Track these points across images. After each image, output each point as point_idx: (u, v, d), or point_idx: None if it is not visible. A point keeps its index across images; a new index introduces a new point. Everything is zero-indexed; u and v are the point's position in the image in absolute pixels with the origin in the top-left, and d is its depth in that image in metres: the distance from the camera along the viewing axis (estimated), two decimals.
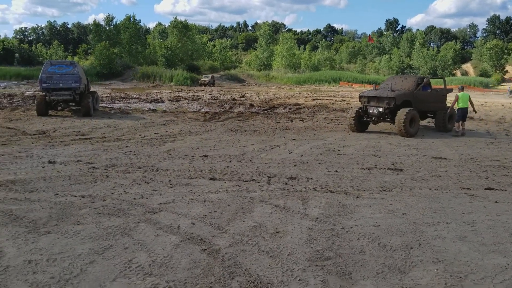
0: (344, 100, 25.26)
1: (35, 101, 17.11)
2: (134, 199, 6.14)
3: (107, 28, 66.37)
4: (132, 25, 65.11)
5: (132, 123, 15.08)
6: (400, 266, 4.18)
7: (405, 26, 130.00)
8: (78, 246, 4.44)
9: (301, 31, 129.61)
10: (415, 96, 13.83)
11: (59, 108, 17.61)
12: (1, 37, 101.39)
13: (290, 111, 20.82)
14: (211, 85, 50.54)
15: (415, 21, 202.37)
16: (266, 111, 20.42)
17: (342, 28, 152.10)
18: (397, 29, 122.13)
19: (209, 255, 4.32)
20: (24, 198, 6.03)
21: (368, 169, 8.49)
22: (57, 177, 7.27)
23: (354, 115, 14.04)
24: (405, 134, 13.05)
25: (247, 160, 9.03)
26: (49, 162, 8.40)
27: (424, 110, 14.60)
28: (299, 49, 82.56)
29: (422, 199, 6.52)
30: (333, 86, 49.08)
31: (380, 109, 13.64)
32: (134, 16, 66.30)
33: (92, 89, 21.18)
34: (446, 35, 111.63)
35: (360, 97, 14.42)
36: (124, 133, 12.70)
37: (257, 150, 10.26)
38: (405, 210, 5.95)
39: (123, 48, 63.73)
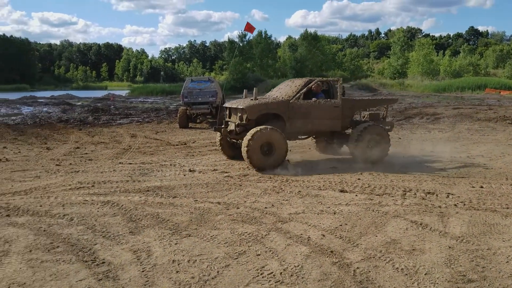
0: (491, 109, 22.92)
1: (178, 115, 18.75)
2: (265, 208, 6.31)
3: (241, 44, 70.10)
4: (263, 40, 67.79)
5: None
6: None
7: None
8: (215, 249, 4.72)
9: (440, 36, 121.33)
10: (290, 108, 9.43)
11: (198, 120, 19.03)
12: (149, 58, 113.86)
13: (427, 121, 19.57)
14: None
15: None
16: (400, 121, 19.50)
17: (487, 30, 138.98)
18: None
19: (340, 268, 4.24)
20: (168, 203, 6.61)
21: None
22: (196, 184, 7.83)
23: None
24: (253, 164, 8.96)
25: (379, 173, 8.70)
26: (190, 170, 9.09)
27: (306, 130, 9.97)
28: (437, 55, 77.35)
29: None
30: (478, 93, 44.90)
31: (232, 126, 9.85)
32: (265, 32, 69.11)
33: (226, 102, 22.47)
34: None
35: (221, 109, 11.36)
36: None
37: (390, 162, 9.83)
38: None
39: (255, 63, 66.59)
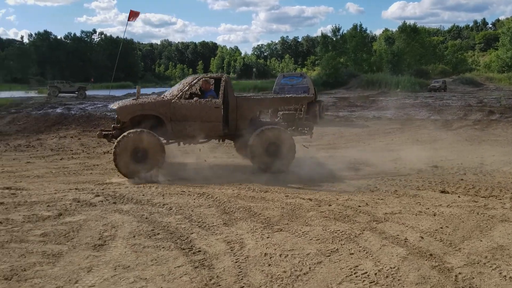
0: None
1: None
2: (359, 206, 6.13)
3: (334, 39, 69.00)
4: (358, 34, 66.10)
5: (356, 131, 15.23)
6: None
7: None
8: (306, 245, 4.68)
9: None
10: (172, 109, 8.38)
11: None
12: (242, 55, 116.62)
13: None
14: (442, 90, 47.11)
15: None
16: (509, 119, 17.85)
17: None
18: None
19: (440, 272, 3.98)
20: (260, 197, 6.70)
21: None
22: (287, 179, 7.85)
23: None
24: (120, 171, 8.06)
25: (485, 173, 8.05)
26: None
27: (188, 134, 8.59)
28: None
29: None
30: None
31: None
32: (360, 25, 67.33)
33: (318, 98, 22.28)
34: None
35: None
36: (349, 141, 12.91)
37: (498, 162, 9.04)
38: None
39: (349, 57, 65.18)
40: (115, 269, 4.16)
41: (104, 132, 8.69)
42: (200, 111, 8.41)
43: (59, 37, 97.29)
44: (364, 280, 3.86)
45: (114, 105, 8.62)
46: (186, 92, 8.71)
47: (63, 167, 9.45)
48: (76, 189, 7.13)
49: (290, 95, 11.15)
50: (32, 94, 42.05)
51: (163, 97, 8.62)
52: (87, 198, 6.55)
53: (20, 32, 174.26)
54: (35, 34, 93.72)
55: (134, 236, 5.01)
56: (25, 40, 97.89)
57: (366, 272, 4.01)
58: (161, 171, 8.16)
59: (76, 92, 36.73)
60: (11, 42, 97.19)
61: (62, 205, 6.23)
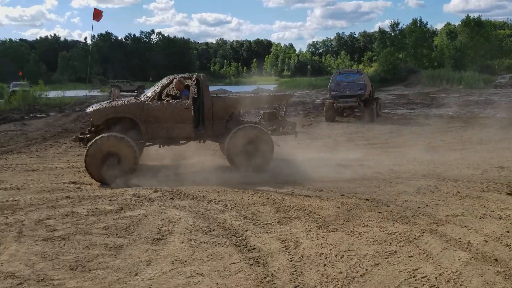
0: None
1: (324, 108, 18.72)
2: (419, 207, 5.91)
3: (392, 34, 67.00)
4: (418, 29, 63.77)
5: (415, 129, 14.71)
6: None
7: None
8: (363, 247, 4.57)
9: None
10: (145, 111, 8.20)
11: (345, 114, 18.73)
12: (296, 52, 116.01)
13: None
14: (509, 86, 44.48)
15: None
16: None
17: None
18: None
19: (506, 279, 3.76)
20: (315, 196, 6.63)
21: None
22: (343, 179, 7.71)
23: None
24: (92, 176, 7.75)
25: None
26: (336, 164, 8.97)
27: (162, 136, 8.41)
28: None
29: None
30: None
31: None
32: (420, 19, 64.84)
33: (376, 95, 21.73)
34: None
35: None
36: (407, 139, 12.49)
37: None
38: None
39: (408, 53, 63.06)
40: (173, 263, 4.27)
41: (80, 136, 8.62)
42: (171, 112, 8.29)
43: (119, 38, 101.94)
44: (423, 284, 3.72)
45: (88, 108, 8.63)
46: (159, 93, 8.61)
47: None
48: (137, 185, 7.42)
49: (268, 94, 10.86)
50: (95, 93, 44.15)
51: (137, 99, 8.55)
52: (146, 193, 6.78)
53: (83, 34, 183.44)
54: (98, 35, 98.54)
55: (190, 232, 5.13)
56: (88, 41, 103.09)
57: (426, 276, 3.86)
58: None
59: (136, 91, 38.17)
60: (75, 43, 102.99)
61: (123, 199, 6.50)
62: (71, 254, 4.51)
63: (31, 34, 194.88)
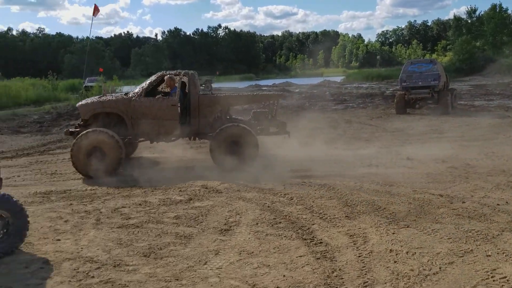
0: None
1: (395, 100, 18.04)
2: (498, 204, 5.55)
3: (469, 21, 63.20)
4: (498, 15, 59.62)
5: (494, 121, 13.78)
6: None
7: None
8: (436, 244, 4.37)
9: None
10: (132, 107, 8.18)
11: (417, 106, 17.94)
12: (365, 42, 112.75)
13: None
14: None
15: None
16: None
17: None
18: None
19: None
20: (384, 191, 6.42)
21: None
22: (415, 173, 7.41)
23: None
24: (79, 171, 7.82)
25: None
26: (407, 158, 8.63)
27: (148, 133, 8.35)
28: None
29: None
30: None
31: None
32: (500, 5, 60.53)
33: (450, 86, 20.62)
34: None
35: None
36: (485, 132, 11.73)
37: None
38: None
39: (486, 41, 59.23)
40: (240, 253, 4.33)
41: (71, 130, 8.79)
42: (157, 109, 8.30)
43: (188, 33, 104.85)
44: (503, 286, 3.51)
45: (78, 103, 8.86)
46: (146, 90, 8.54)
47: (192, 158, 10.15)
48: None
49: (257, 93, 10.70)
50: None
51: (125, 95, 8.64)
52: (213, 185, 6.94)
53: (154, 30, 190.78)
54: (167, 31, 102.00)
55: (257, 224, 5.18)
56: (159, 37, 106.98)
57: (506, 277, 3.64)
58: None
59: (203, 85, 39.05)
60: (147, 39, 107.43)
61: (192, 190, 6.70)
62: (144, 242, 4.72)
63: (106, 32, 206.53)
